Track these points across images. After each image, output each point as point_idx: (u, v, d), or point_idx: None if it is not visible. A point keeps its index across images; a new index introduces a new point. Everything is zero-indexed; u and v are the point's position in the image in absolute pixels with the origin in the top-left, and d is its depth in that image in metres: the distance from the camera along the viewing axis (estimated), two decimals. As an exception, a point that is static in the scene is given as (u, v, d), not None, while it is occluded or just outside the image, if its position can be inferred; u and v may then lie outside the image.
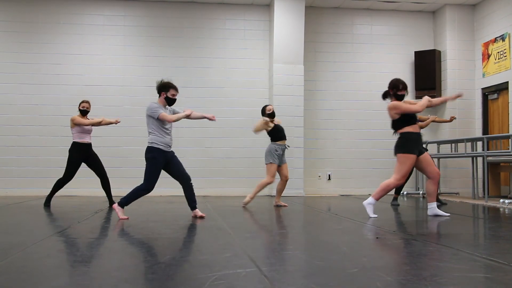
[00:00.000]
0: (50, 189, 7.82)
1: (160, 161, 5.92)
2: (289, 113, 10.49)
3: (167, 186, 10.54)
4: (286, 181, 7.95)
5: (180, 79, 10.87)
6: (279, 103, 10.51)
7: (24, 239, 4.45)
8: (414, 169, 8.03)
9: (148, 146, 5.95)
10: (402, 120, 6.20)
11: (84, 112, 7.78)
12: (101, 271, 3.26)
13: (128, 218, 5.87)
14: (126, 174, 10.35)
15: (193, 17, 11.06)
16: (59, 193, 10.14)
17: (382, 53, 11.59)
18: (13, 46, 10.58)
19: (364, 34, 11.60)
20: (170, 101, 6.17)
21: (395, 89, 6.38)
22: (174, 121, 5.98)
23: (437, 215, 6.21)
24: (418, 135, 6.20)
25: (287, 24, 10.70)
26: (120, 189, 10.21)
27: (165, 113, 5.96)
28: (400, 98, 6.34)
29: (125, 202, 5.96)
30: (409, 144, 6.06)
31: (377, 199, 6.18)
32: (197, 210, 6.10)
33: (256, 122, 8.03)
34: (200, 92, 10.86)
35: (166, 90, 6.13)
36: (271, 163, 7.69)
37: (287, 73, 10.64)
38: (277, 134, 7.80)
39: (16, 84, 10.49)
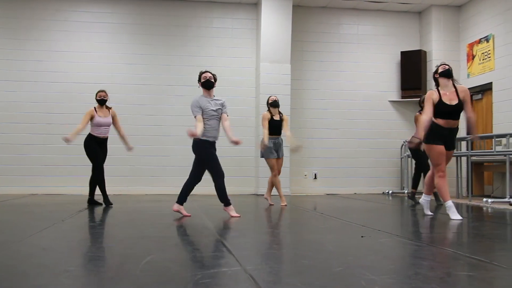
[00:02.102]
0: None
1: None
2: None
3: (152, 185, 10.54)
4: (278, 175, 7.94)
5: (166, 77, 10.85)
6: (265, 101, 10.50)
7: (7, 238, 4.41)
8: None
9: None
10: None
11: (101, 102, 7.59)
12: (85, 270, 3.24)
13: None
14: (113, 173, 10.28)
15: (181, 15, 11.02)
16: (43, 191, 10.10)
17: (369, 53, 11.64)
18: (-2, 42, 10.46)
19: (351, 34, 11.64)
20: (206, 85, 6.12)
21: (435, 72, 5.99)
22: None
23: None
24: (449, 130, 5.90)
25: (274, 23, 10.70)
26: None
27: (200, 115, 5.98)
28: (445, 73, 5.90)
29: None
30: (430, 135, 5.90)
31: (429, 194, 6.21)
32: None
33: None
34: (187, 91, 10.79)
35: (199, 79, 6.16)
36: (268, 158, 7.76)
37: (274, 72, 10.64)
38: (271, 128, 7.79)
39: None
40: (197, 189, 11.14)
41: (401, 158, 11.30)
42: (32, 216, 6.36)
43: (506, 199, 8.10)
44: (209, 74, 6.15)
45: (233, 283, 2.79)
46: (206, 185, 10.65)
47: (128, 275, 2.95)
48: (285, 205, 7.78)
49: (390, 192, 11.07)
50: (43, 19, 10.61)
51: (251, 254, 3.80)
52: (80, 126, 7.43)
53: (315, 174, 11.32)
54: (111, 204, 7.50)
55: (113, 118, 7.71)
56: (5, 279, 2.87)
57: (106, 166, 10.30)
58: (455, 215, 5.79)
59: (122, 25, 10.87)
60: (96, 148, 7.52)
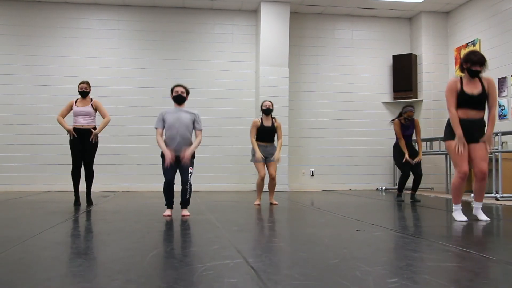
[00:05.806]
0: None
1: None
2: (275, 113, 10.26)
3: (158, 182, 10.54)
4: (272, 179, 7.30)
5: (170, 81, 10.80)
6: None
7: (22, 232, 4.41)
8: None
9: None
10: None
11: (83, 94, 7.08)
12: (96, 262, 3.24)
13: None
14: (120, 171, 10.31)
15: (184, 22, 11.02)
16: (56, 188, 10.10)
17: (362, 57, 11.64)
18: (12, 48, 10.46)
19: (345, 39, 11.64)
20: (176, 99, 6.15)
21: (469, 63, 5.09)
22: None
23: (477, 218, 5.39)
24: (468, 121, 5.16)
25: (273, 29, 10.69)
26: (113, 185, 10.18)
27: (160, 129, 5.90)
28: (473, 74, 5.10)
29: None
30: (447, 130, 5.35)
31: (456, 203, 5.43)
32: (183, 210, 5.82)
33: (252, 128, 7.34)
34: (191, 93, 10.79)
35: (171, 92, 6.14)
36: (254, 162, 7.27)
37: (272, 75, 10.63)
38: (260, 134, 7.29)
39: (14, 84, 10.39)
40: (201, 186, 11.17)
41: (393, 156, 11.28)
42: (46, 212, 6.35)
43: (492, 194, 8.10)
44: (181, 89, 6.06)
45: (235, 275, 2.79)
46: (209, 183, 10.74)
47: (136, 267, 2.95)
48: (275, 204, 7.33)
49: (383, 188, 11.07)
50: (54, 26, 10.61)
51: (252, 247, 3.80)
52: (58, 116, 6.99)
53: (312, 172, 11.31)
54: (92, 204, 6.99)
55: (97, 107, 7.12)
56: (21, 272, 2.87)
57: (113, 164, 10.38)
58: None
59: (128, 31, 10.87)
60: (75, 147, 6.90)
